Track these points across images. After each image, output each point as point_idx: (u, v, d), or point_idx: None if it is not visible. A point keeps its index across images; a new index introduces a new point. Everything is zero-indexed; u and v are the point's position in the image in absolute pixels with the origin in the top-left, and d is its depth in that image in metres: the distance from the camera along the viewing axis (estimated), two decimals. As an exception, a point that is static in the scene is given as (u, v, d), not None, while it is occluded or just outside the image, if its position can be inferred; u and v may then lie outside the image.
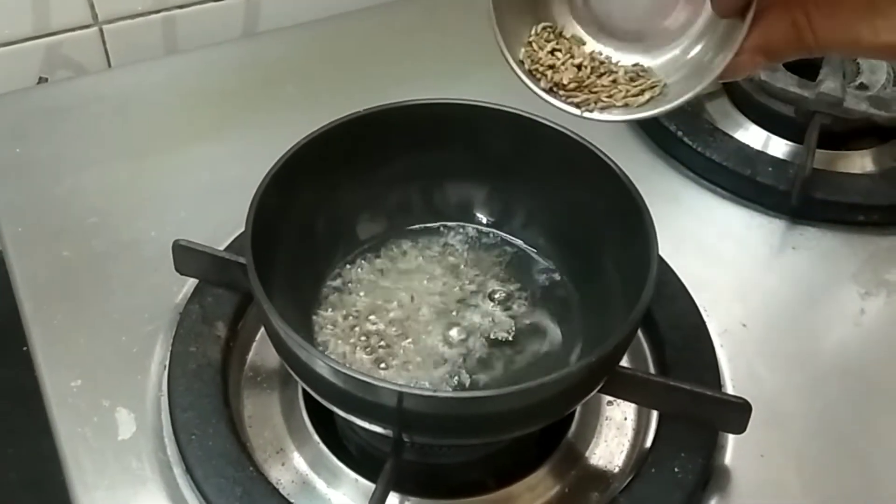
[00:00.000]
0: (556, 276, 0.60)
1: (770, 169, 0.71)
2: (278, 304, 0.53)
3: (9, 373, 0.85)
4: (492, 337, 0.58)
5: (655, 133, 0.75)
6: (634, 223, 0.53)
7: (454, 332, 0.58)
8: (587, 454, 0.58)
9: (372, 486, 0.54)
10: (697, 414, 0.55)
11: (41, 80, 0.82)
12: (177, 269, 0.61)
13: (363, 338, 0.57)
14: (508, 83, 0.77)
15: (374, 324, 0.58)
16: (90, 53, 0.83)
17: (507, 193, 0.61)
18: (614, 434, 0.59)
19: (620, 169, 0.54)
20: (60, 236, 0.66)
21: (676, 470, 0.54)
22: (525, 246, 0.61)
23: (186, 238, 0.60)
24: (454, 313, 0.59)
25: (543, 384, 0.46)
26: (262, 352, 0.62)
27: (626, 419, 0.60)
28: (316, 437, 0.58)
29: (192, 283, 0.62)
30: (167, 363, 0.59)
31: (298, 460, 0.57)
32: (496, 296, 0.59)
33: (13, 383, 0.83)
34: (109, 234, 0.67)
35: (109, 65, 0.84)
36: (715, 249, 0.69)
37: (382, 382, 0.46)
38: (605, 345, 0.47)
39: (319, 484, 0.56)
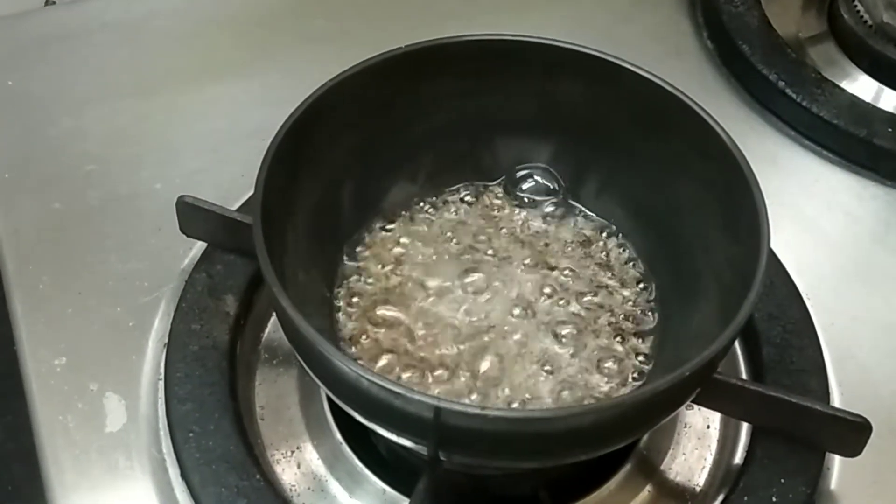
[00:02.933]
0: (633, 256, 0.50)
1: (889, 129, 0.61)
2: (293, 281, 0.44)
3: (5, 330, 0.78)
4: (550, 329, 0.48)
5: (752, 83, 0.64)
6: (737, 199, 0.43)
7: (503, 318, 0.48)
8: (662, 468, 0.49)
9: (402, 498, 0.47)
10: (802, 431, 0.47)
11: (48, 3, 0.74)
12: (182, 230, 0.53)
13: (392, 321, 0.48)
14: (578, 21, 0.69)
15: (406, 304, 0.48)
16: (104, -28, 0.74)
17: (579, 153, 0.51)
18: (694, 445, 0.50)
19: (724, 129, 0.44)
20: (52, 185, 0.58)
21: (775, 499, 0.46)
22: (598, 217, 0.52)
23: (196, 193, 0.52)
24: (503, 294, 0.49)
25: (622, 402, 0.37)
26: (279, 329, 0.53)
27: (708, 427, 0.51)
28: (338, 436, 0.50)
29: (200, 246, 0.54)
30: (167, 341, 0.50)
31: (317, 462, 0.49)
32: (558, 278, 0.50)
33: (8, 341, 0.76)
34: (108, 186, 0.58)
35: (124, -13, 0.75)
36: (820, 224, 0.59)
37: (416, 394, 0.37)
38: (700, 356, 0.37)
39: (340, 492, 0.48)
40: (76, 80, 0.64)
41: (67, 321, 0.53)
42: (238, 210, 0.53)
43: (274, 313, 0.53)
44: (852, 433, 0.46)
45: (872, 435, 0.46)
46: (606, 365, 0.47)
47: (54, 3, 0.74)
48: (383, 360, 0.47)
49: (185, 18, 0.68)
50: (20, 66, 0.64)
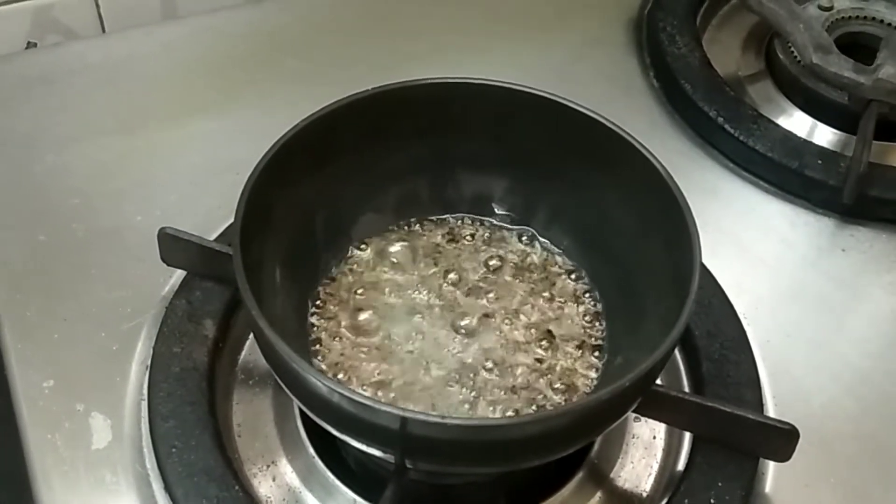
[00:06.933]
0: (583, 281, 0.54)
1: (819, 161, 0.64)
2: (269, 305, 0.48)
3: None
4: (508, 345, 0.52)
5: (693, 119, 0.68)
6: (674, 226, 0.47)
7: (464, 339, 0.52)
8: (612, 475, 0.53)
9: (371, 507, 0.50)
10: (737, 438, 0.50)
11: (30, 46, 0.76)
12: (163, 260, 0.56)
13: (364, 341, 0.52)
14: (534, 61, 0.73)
15: (376, 327, 0.52)
16: (83, 17, 0.77)
17: (531, 187, 0.55)
18: (642, 454, 0.54)
19: (661, 163, 0.48)
20: (38, 219, 0.61)
21: (713, 501, 0.49)
22: (549, 245, 0.55)
23: (176, 224, 0.55)
24: (465, 317, 0.53)
25: (568, 411, 0.41)
26: (255, 352, 0.56)
27: (654, 438, 0.54)
28: (311, 451, 0.52)
29: (180, 274, 0.57)
30: (150, 363, 0.54)
31: (291, 476, 0.52)
32: (513, 300, 0.53)
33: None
34: (92, 218, 0.61)
35: (103, 30, 0.78)
36: (756, 250, 0.63)
37: (383, 405, 0.40)
38: (639, 369, 0.41)
39: (313, 503, 0.51)
40: (60, 118, 0.66)
41: (55, 346, 0.55)
42: (216, 240, 0.56)
43: (250, 336, 0.57)
44: (782, 440, 0.49)
45: (804, 442, 0.49)
46: (559, 378, 0.50)
47: (35, 45, 0.76)
48: (353, 376, 0.50)
49: (163, 60, 0.71)
50: (6, 105, 0.67)
